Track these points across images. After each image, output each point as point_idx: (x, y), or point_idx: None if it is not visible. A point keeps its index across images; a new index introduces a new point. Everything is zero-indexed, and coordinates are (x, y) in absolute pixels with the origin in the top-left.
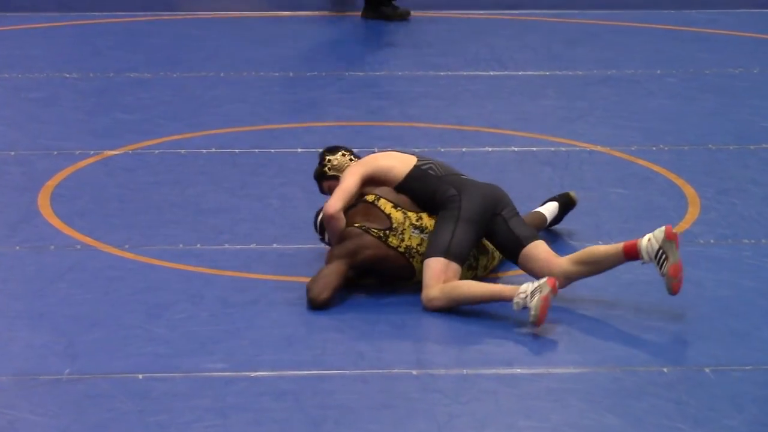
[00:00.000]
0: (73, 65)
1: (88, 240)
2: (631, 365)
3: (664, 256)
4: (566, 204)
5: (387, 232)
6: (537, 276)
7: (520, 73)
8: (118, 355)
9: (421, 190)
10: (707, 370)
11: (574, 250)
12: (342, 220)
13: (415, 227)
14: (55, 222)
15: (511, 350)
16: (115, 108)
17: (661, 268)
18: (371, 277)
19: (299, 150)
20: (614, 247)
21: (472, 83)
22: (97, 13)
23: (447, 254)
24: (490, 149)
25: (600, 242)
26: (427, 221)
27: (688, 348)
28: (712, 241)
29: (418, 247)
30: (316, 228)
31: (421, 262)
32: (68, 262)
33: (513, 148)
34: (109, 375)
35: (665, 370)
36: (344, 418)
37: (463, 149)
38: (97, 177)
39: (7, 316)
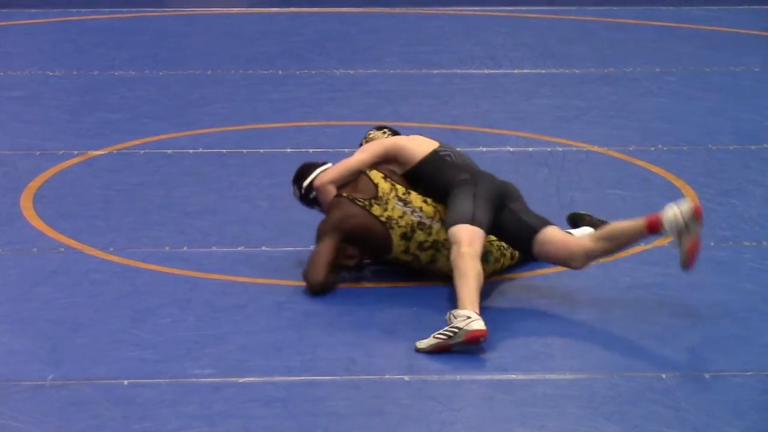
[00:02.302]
0: (56, 63)
1: (71, 242)
2: (629, 371)
3: (686, 231)
4: None
5: (372, 200)
6: (555, 261)
7: (515, 71)
8: (103, 360)
9: (435, 175)
10: (707, 375)
11: None
12: (329, 192)
13: (400, 199)
14: (38, 224)
15: (506, 355)
16: (99, 107)
17: (681, 243)
18: (354, 253)
19: (288, 150)
20: (636, 221)
21: (466, 81)
22: (80, 10)
23: (473, 221)
24: (484, 149)
25: None
26: (415, 198)
27: (687, 353)
28: (712, 243)
29: (399, 220)
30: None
31: (400, 235)
32: (51, 265)
33: (508, 148)
34: (93, 381)
35: (663, 375)
36: (335, 426)
37: (457, 149)
38: (81, 178)
39: None
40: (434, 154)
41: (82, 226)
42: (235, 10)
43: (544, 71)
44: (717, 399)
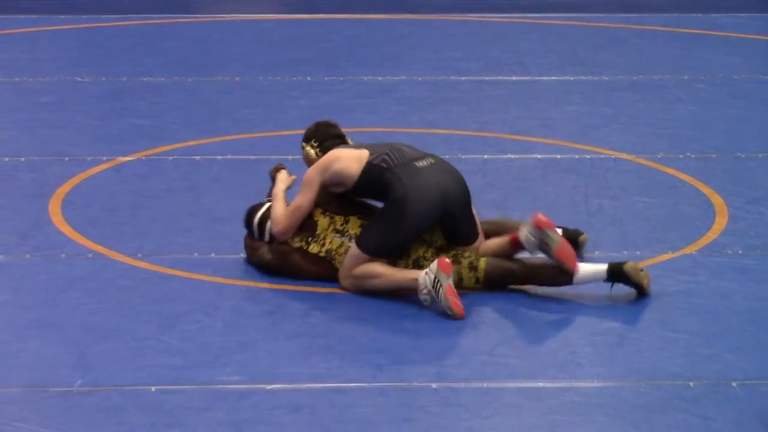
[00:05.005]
0: (85, 69)
1: (100, 248)
2: (657, 379)
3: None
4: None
5: (309, 239)
6: None
7: (543, 78)
8: (131, 366)
9: (375, 185)
10: (734, 384)
11: (597, 261)
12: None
13: (337, 231)
14: (67, 230)
15: (533, 363)
16: (128, 113)
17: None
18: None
19: None
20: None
21: (495, 88)
22: (109, 15)
23: (374, 254)
24: (512, 156)
25: (625, 252)
26: (353, 225)
27: (715, 362)
28: (740, 251)
29: (339, 249)
30: (248, 226)
31: (341, 262)
32: (80, 271)
33: (536, 156)
34: (121, 387)
35: (691, 384)
36: None
37: (485, 156)
38: (110, 184)
39: (17, 326)
40: (369, 165)
41: (111, 232)
42: (263, 16)
43: (572, 78)
44: (745, 408)
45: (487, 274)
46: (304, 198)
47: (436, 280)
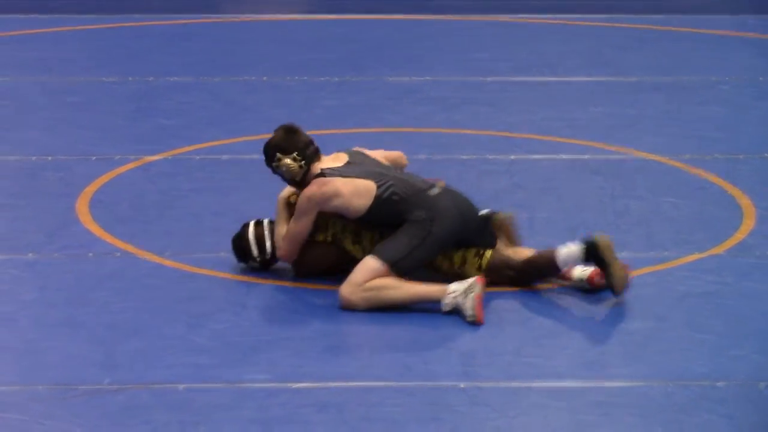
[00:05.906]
0: (112, 69)
1: (127, 247)
2: (684, 379)
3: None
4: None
5: (315, 232)
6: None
7: (570, 79)
8: (158, 365)
9: (386, 217)
10: (762, 385)
11: (625, 262)
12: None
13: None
14: (94, 229)
15: (560, 363)
16: (154, 113)
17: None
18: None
19: None
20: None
21: (521, 89)
22: (135, 15)
23: (393, 266)
24: (539, 157)
25: (652, 253)
26: (368, 241)
27: (743, 362)
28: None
29: (344, 232)
30: (240, 251)
31: (353, 242)
32: (107, 269)
33: (563, 156)
34: (148, 385)
35: (719, 384)
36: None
37: (512, 157)
38: (137, 183)
39: (45, 325)
40: (377, 200)
41: (138, 231)
42: (290, 16)
43: (598, 79)
44: None
45: (489, 264)
46: (302, 225)
47: (470, 287)
